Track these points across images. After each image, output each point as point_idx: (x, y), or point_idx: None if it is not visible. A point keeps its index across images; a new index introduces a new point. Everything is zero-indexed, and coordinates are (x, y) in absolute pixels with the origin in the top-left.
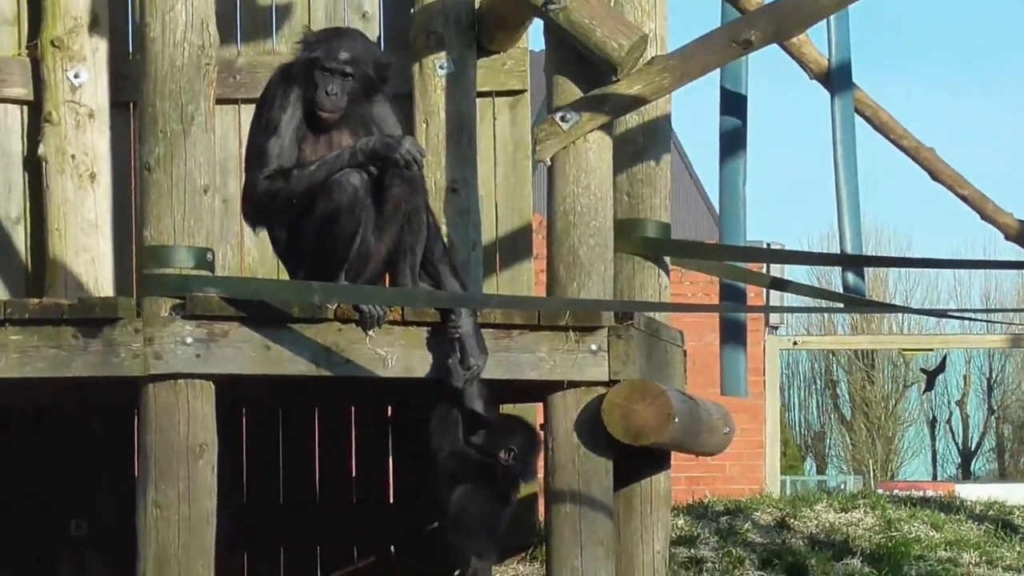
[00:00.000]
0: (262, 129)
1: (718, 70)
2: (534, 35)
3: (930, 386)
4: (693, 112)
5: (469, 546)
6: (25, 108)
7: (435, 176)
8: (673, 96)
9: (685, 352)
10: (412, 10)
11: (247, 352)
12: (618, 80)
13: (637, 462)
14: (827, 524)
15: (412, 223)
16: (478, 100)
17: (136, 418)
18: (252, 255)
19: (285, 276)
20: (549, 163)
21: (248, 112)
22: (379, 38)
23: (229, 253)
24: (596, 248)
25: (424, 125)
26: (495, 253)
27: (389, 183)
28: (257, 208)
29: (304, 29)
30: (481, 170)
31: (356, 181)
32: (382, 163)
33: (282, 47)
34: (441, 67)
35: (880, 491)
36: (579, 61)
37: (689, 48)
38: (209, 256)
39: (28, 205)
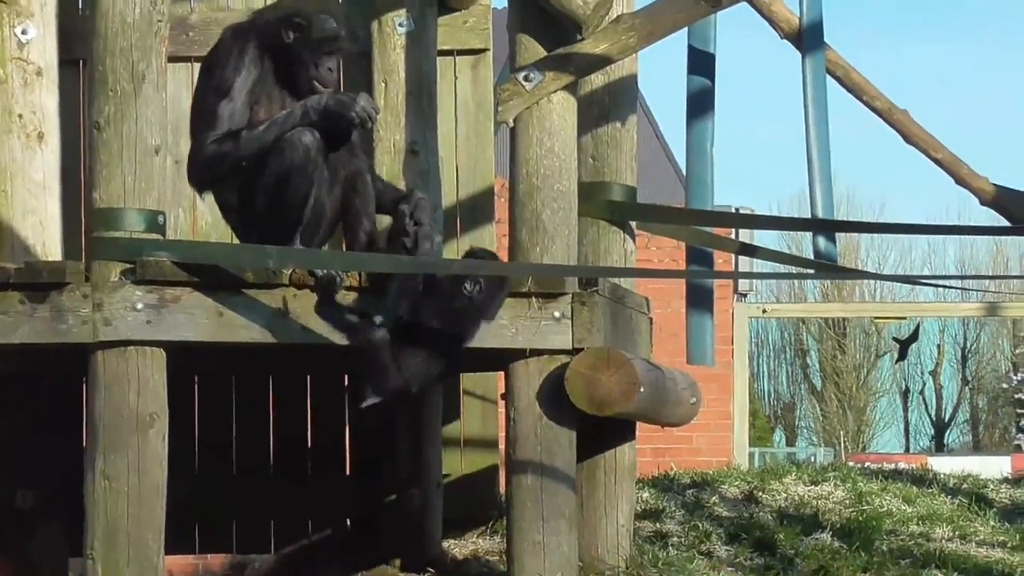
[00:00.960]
0: (213, 91)
1: (686, 29)
2: None
3: (903, 356)
4: (661, 72)
5: (418, 364)
6: None
7: (394, 137)
8: (640, 56)
9: (651, 319)
10: None
11: (199, 318)
12: (583, 39)
13: (601, 433)
14: (796, 497)
15: (357, 184)
16: (439, 59)
17: (85, 386)
18: (205, 218)
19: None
20: (512, 124)
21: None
22: None
23: (181, 216)
24: (560, 212)
25: (383, 85)
26: (456, 217)
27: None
28: (205, 172)
29: None
30: (442, 131)
31: (308, 140)
32: (335, 121)
33: (237, 4)
34: (401, 25)
35: (851, 463)
36: (543, 19)
37: (656, 6)
38: (161, 219)
39: None
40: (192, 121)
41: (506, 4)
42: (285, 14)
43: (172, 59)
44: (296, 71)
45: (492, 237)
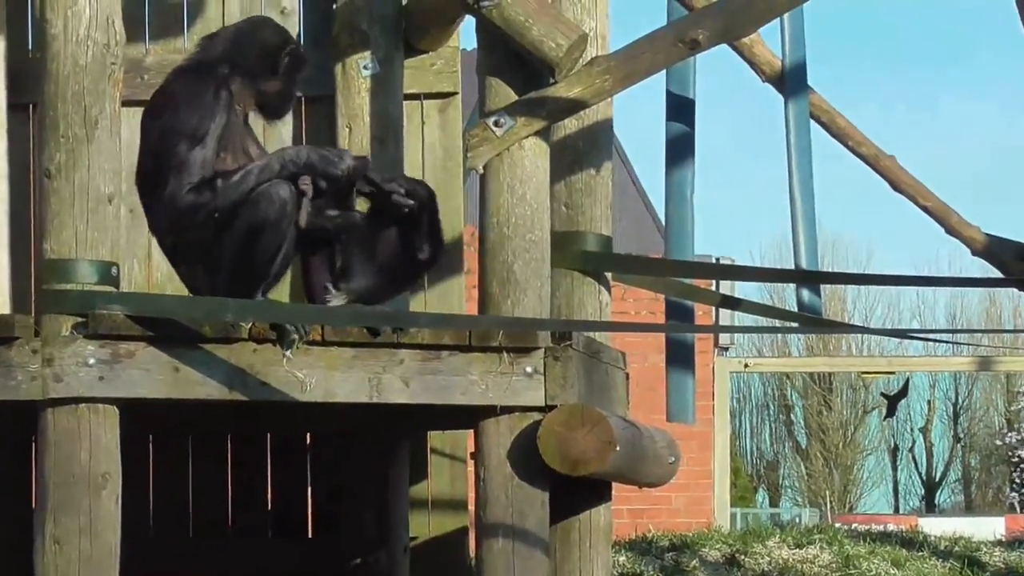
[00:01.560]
0: (187, 136)
1: (664, 72)
2: (466, 33)
3: (891, 412)
4: (637, 118)
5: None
6: None
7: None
8: (616, 100)
9: (628, 375)
10: (334, 6)
11: (154, 374)
12: (556, 82)
13: (575, 493)
14: (781, 561)
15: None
16: (405, 103)
17: (34, 445)
18: (160, 270)
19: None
20: (482, 171)
21: None
22: (298, 35)
23: (136, 267)
24: (532, 263)
25: (347, 130)
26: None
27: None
28: (176, 221)
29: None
30: (409, 174)
31: (285, 193)
32: (318, 178)
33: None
34: (365, 67)
35: (838, 525)
36: (514, 62)
37: (633, 48)
38: (114, 271)
39: None
40: (156, 164)
41: (476, 46)
42: (269, 45)
43: (126, 103)
44: (270, 108)
45: (461, 289)
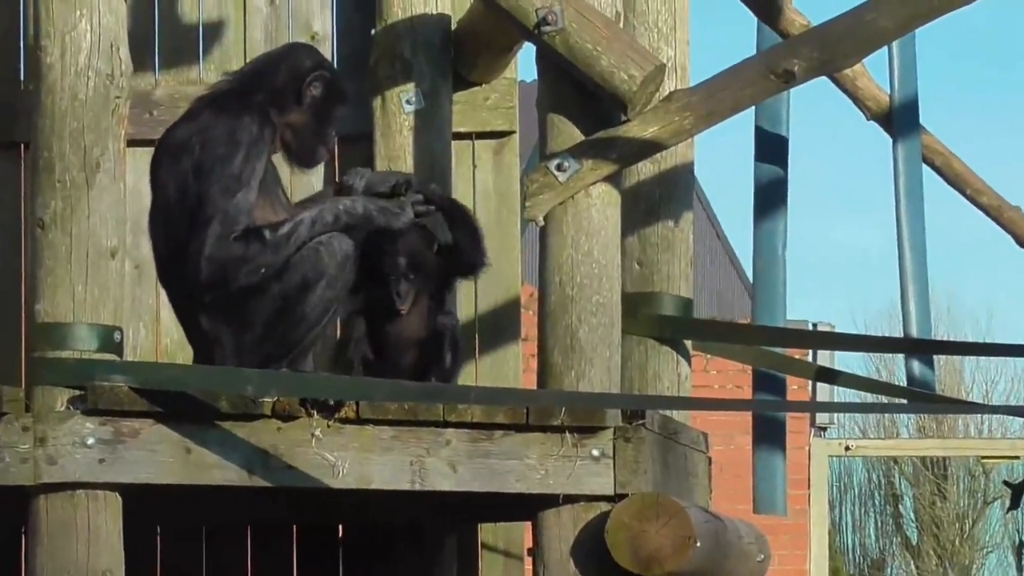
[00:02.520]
0: (233, 178)
1: (753, 108)
2: (524, 63)
3: (1016, 503)
4: (722, 159)
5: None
6: None
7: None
8: (697, 140)
9: (710, 459)
10: (373, 31)
11: (163, 456)
12: (628, 120)
13: None
14: None
15: None
16: (454, 143)
17: (24, 537)
18: (170, 335)
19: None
20: (542, 222)
21: None
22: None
23: (142, 332)
24: (599, 328)
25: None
26: (474, 333)
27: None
28: (213, 276)
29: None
30: None
31: (347, 248)
32: (375, 233)
33: (211, 76)
34: (408, 102)
35: None
36: (580, 96)
37: (717, 81)
38: (116, 336)
39: None
40: (186, 209)
41: (536, 77)
42: (297, 70)
43: (132, 143)
44: (295, 149)
45: (517, 358)
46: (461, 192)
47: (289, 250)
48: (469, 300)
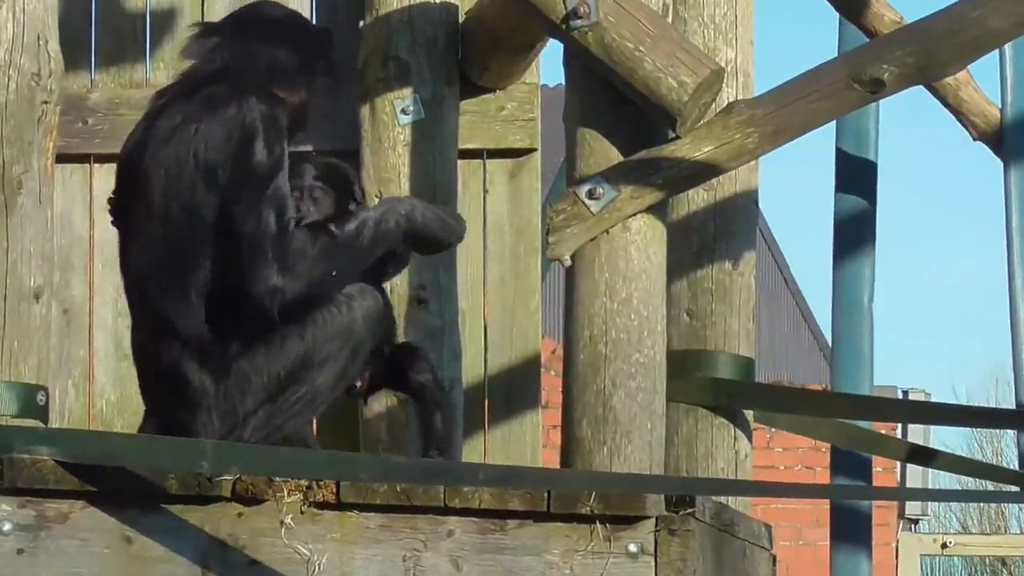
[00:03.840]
0: (273, 161)
1: (832, 124)
2: (549, 65)
3: None
4: (792, 186)
5: None
6: None
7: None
8: (761, 163)
9: (774, 557)
10: (361, 23)
11: (96, 546)
12: (678, 137)
13: None
14: None
15: None
16: (461, 162)
17: None
18: (106, 396)
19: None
20: (569, 262)
21: (106, 172)
22: None
23: (71, 393)
24: (639, 394)
25: (376, 198)
26: (483, 398)
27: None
28: (302, 288)
29: None
30: (464, 270)
31: (379, 305)
32: (420, 246)
33: (160, 76)
34: (404, 111)
35: None
36: (617, 107)
37: (789, 89)
38: (41, 397)
39: None
40: (226, 229)
41: (563, 82)
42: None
43: (62, 158)
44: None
45: (536, 430)
46: (469, 223)
47: (361, 252)
48: (477, 358)
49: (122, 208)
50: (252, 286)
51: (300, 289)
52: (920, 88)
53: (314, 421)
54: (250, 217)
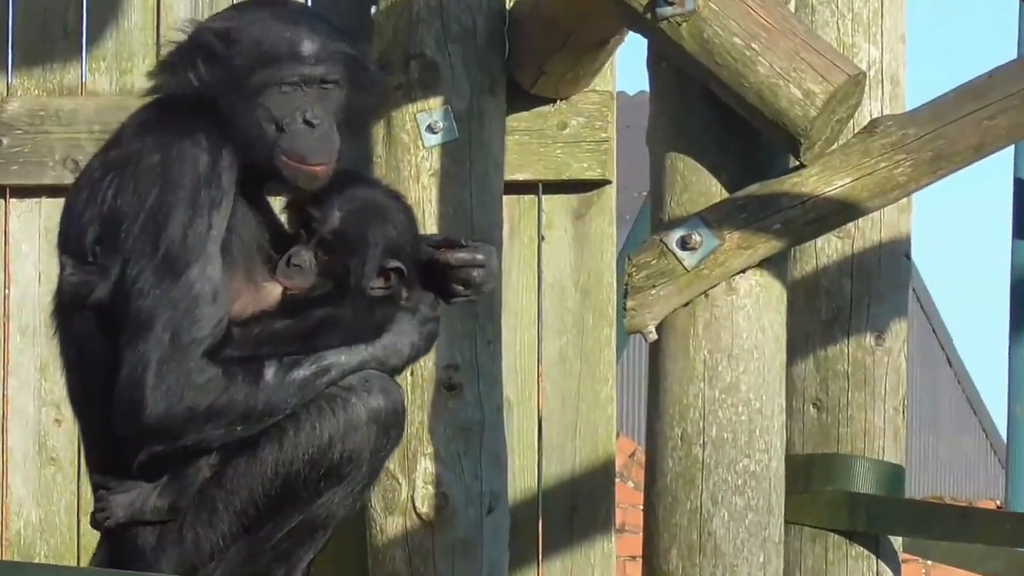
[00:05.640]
0: (177, 244)
1: (1011, 150)
2: (627, 68)
3: None
4: (950, 229)
5: None
6: None
7: None
8: (915, 201)
9: None
10: (373, 9)
11: None
12: (802, 166)
13: None
14: None
15: None
16: (507, 199)
17: None
18: (25, 514)
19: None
20: (654, 335)
21: (27, 210)
22: None
23: None
24: (749, 514)
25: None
26: (536, 519)
27: None
28: (179, 423)
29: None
30: (512, 345)
31: (398, 404)
32: None
33: (100, 82)
34: (432, 129)
35: None
36: (720, 125)
37: (953, 100)
38: None
39: None
40: (121, 296)
41: (648, 89)
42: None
43: None
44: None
45: (610, 560)
46: (516, 280)
47: (287, 407)
48: (528, 465)
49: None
50: (115, 413)
51: (175, 439)
52: None
53: None
54: (141, 316)
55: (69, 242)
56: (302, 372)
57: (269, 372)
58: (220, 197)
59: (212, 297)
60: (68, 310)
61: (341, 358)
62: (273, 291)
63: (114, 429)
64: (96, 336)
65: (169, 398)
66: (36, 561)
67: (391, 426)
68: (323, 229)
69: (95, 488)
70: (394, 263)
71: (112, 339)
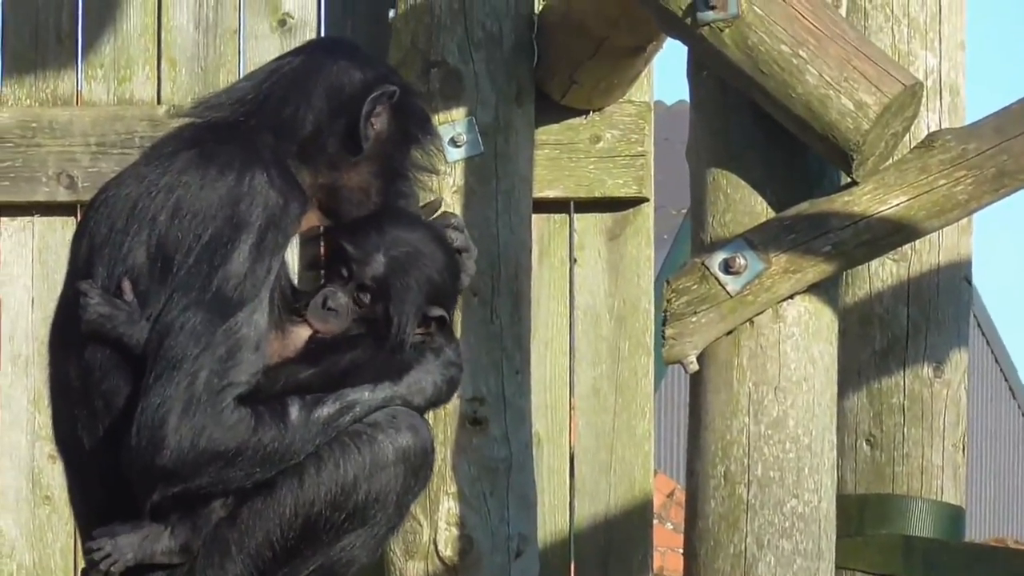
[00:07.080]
0: (231, 283)
1: None
2: (665, 77)
3: None
4: (1013, 252)
5: None
6: None
7: None
8: (975, 222)
9: None
10: (391, 13)
11: None
12: (854, 183)
13: None
14: None
15: None
16: (536, 217)
17: None
18: (17, 556)
19: None
20: (695, 366)
21: (19, 229)
22: None
23: None
24: (797, 559)
25: None
26: (568, 563)
27: None
28: (190, 462)
29: None
30: (541, 377)
31: (427, 444)
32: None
33: (97, 91)
34: (454, 143)
35: None
36: (765, 138)
37: (1014, 114)
38: None
39: None
40: (169, 350)
41: (688, 98)
42: (351, 87)
43: None
44: (356, 208)
45: None
46: (546, 306)
47: (317, 440)
48: (559, 506)
49: (70, 273)
50: (131, 451)
51: (189, 480)
52: None
53: None
54: (174, 352)
55: (97, 267)
56: (326, 410)
57: (293, 412)
58: (284, 243)
59: (255, 345)
60: (77, 340)
61: (365, 395)
62: (300, 335)
63: (121, 468)
64: (111, 371)
65: (193, 438)
66: None
67: (420, 467)
68: (364, 273)
69: (85, 531)
70: (437, 311)
71: (128, 374)
